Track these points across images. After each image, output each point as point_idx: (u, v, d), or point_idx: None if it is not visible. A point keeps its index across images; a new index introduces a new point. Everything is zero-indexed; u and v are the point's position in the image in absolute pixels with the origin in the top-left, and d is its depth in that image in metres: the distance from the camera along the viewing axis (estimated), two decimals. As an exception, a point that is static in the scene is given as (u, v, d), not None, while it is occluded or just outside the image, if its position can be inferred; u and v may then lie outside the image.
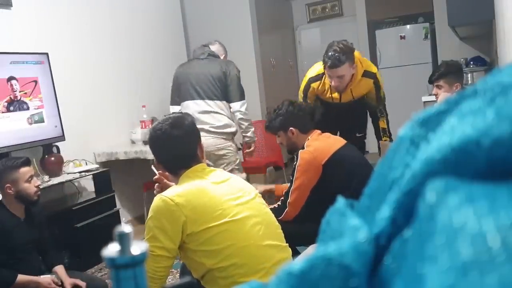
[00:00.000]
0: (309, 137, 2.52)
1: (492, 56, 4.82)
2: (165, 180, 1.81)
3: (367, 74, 3.09)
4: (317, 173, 2.41)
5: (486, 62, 5.25)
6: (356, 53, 3.03)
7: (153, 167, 1.95)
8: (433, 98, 3.45)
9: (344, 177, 2.39)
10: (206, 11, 5.78)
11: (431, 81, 3.14)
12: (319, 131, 2.59)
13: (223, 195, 1.64)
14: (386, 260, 0.26)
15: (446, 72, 3.03)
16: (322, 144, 2.47)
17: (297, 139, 2.54)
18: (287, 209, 2.41)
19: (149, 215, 1.60)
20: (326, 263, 0.26)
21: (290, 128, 2.53)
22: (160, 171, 1.82)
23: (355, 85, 3.07)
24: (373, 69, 3.17)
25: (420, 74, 5.59)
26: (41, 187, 2.71)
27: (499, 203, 0.21)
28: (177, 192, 1.60)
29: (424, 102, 4.33)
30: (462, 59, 5.25)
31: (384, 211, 0.27)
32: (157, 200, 1.60)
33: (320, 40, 6.94)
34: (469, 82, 4.77)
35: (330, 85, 3.07)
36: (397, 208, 0.26)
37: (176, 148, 1.71)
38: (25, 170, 2.50)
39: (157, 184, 1.85)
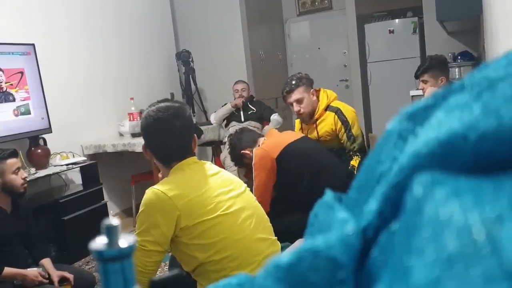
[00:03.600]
0: (265, 137, 2.61)
1: (479, 51, 4.85)
2: None
3: (330, 107, 2.99)
4: (273, 167, 2.44)
5: (474, 56, 5.28)
6: (328, 91, 3.08)
7: None
8: (420, 92, 3.47)
9: (296, 169, 2.44)
10: (195, 4, 5.74)
11: (416, 76, 3.15)
12: (276, 130, 2.69)
13: (215, 188, 1.62)
14: (373, 253, 0.27)
15: (430, 66, 3.04)
16: (275, 140, 2.54)
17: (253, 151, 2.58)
18: None
19: (141, 208, 1.56)
20: (314, 256, 0.26)
21: (241, 152, 2.62)
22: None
23: (320, 120, 3.00)
24: (341, 105, 3.00)
25: (408, 68, 5.61)
26: (27, 179, 2.68)
27: (484, 197, 0.21)
28: (171, 186, 1.57)
29: (412, 96, 4.36)
30: (449, 54, 5.28)
31: (372, 204, 0.27)
32: (150, 193, 1.55)
33: (310, 34, 6.94)
34: (457, 76, 4.81)
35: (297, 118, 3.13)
36: (385, 201, 0.26)
37: (176, 139, 1.65)
38: (12, 162, 2.47)
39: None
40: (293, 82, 2.98)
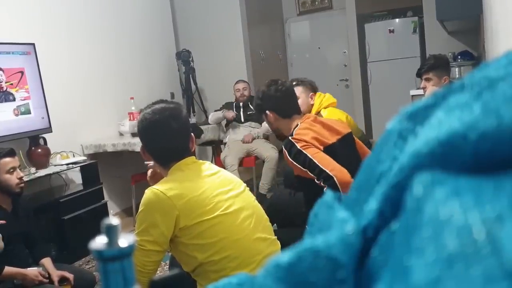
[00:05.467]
0: (299, 122, 2.19)
1: (479, 50, 4.85)
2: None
3: (320, 115, 2.94)
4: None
5: (474, 56, 5.29)
6: (326, 96, 3.07)
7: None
8: (420, 92, 3.46)
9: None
10: (195, 3, 5.74)
11: (419, 74, 3.14)
12: (313, 116, 2.32)
13: (215, 188, 1.62)
14: (373, 252, 0.27)
15: (436, 65, 3.04)
16: (314, 136, 2.12)
17: (279, 124, 2.28)
18: (333, 178, 1.95)
19: (141, 208, 1.57)
20: (314, 255, 0.26)
21: (266, 111, 2.28)
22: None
23: None
24: (330, 112, 2.95)
25: (408, 68, 5.62)
26: (26, 179, 2.68)
27: (484, 196, 0.21)
28: (170, 186, 1.57)
29: (412, 95, 4.36)
30: (450, 53, 5.28)
31: (372, 204, 0.27)
32: (149, 193, 1.56)
33: (310, 33, 6.93)
34: (457, 76, 4.81)
35: None
36: (385, 200, 0.26)
37: (173, 140, 1.66)
38: (7, 161, 2.46)
39: (151, 170, 1.80)
40: (294, 82, 3.01)
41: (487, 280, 0.19)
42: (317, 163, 2.00)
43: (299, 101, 2.84)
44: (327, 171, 1.97)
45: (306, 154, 2.03)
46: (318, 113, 2.99)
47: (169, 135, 1.66)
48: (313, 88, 3.11)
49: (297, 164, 2.07)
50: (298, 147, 2.05)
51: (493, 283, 0.19)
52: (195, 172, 1.66)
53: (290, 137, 2.11)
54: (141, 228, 1.54)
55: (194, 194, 1.57)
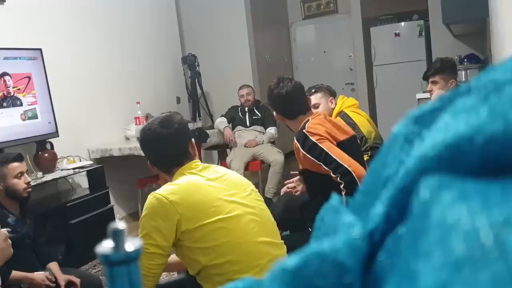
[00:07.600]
0: (310, 118, 2.20)
1: (486, 53, 4.84)
2: None
3: (341, 113, 2.95)
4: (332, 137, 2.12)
5: (480, 59, 5.26)
6: (348, 99, 3.06)
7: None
8: (427, 95, 3.45)
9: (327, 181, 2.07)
10: (201, 7, 5.77)
11: (426, 77, 3.12)
12: (324, 113, 2.33)
13: (218, 192, 1.63)
14: (380, 257, 0.27)
15: (443, 68, 3.02)
16: (327, 131, 2.15)
17: (286, 123, 2.34)
18: (351, 173, 1.96)
19: (143, 213, 1.60)
20: (320, 260, 0.26)
21: (273, 112, 2.36)
22: None
23: None
24: (351, 111, 2.94)
25: (414, 71, 5.61)
26: (33, 183, 2.69)
27: (492, 200, 0.21)
28: (171, 190, 1.60)
29: (418, 99, 4.35)
30: (456, 57, 5.26)
31: (378, 208, 0.27)
32: (151, 198, 1.59)
33: (315, 37, 6.94)
34: (463, 79, 4.79)
35: None
36: (391, 204, 0.26)
37: (166, 147, 1.71)
38: (14, 166, 2.47)
39: None
40: (312, 90, 2.99)
41: (495, 284, 0.19)
42: (335, 157, 1.99)
43: (320, 107, 2.90)
44: (346, 166, 1.97)
45: (322, 148, 2.02)
46: (340, 113, 2.97)
47: (161, 142, 1.71)
48: (331, 93, 3.08)
49: (310, 157, 2.05)
50: (313, 140, 2.05)
51: (501, 287, 0.18)
52: (198, 176, 1.67)
53: (303, 130, 2.10)
54: (144, 233, 1.57)
55: (196, 197, 1.59)
